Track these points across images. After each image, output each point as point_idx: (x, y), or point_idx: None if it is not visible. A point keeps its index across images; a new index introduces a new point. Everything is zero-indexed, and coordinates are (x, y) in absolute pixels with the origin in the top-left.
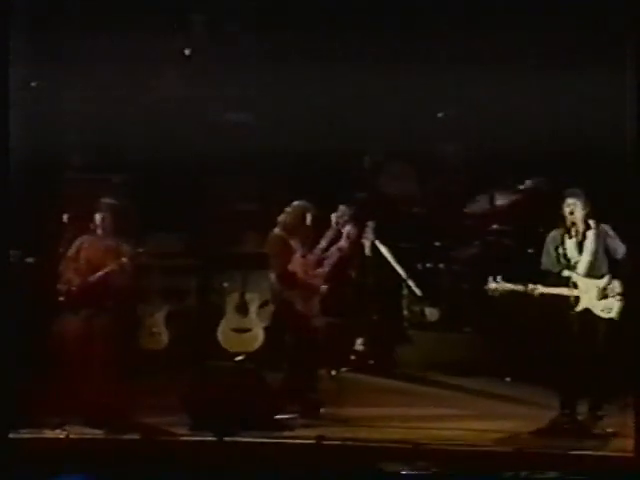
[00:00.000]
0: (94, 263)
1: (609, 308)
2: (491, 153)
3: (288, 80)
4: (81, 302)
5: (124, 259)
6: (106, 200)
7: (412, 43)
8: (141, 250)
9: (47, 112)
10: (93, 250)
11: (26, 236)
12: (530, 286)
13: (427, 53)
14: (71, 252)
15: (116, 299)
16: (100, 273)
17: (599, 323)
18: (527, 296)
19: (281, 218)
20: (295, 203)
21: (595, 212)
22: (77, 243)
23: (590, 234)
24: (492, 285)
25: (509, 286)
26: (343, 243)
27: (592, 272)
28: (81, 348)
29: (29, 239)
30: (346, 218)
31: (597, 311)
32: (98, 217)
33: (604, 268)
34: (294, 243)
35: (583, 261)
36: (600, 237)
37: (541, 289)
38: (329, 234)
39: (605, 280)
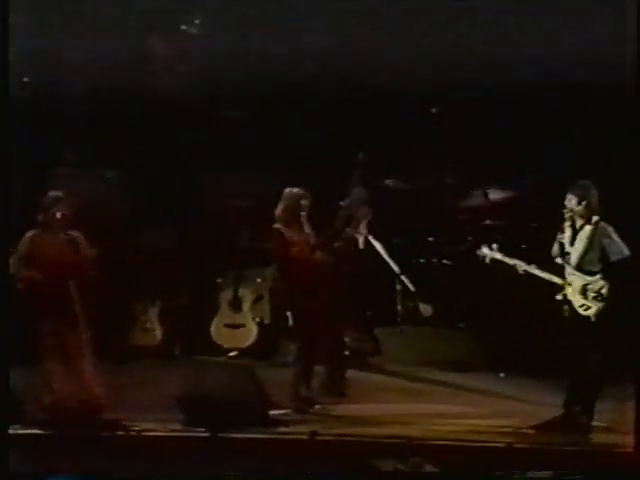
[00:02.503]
0: (51, 258)
1: (588, 306)
2: (485, 148)
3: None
4: (52, 299)
5: (91, 252)
6: (53, 193)
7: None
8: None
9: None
10: (46, 245)
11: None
12: (517, 262)
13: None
14: (22, 248)
15: (94, 293)
16: (65, 268)
17: (578, 318)
18: (518, 285)
19: (277, 210)
20: (287, 190)
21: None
22: (26, 239)
23: (587, 228)
24: (484, 250)
25: (498, 256)
26: (359, 230)
27: (582, 267)
28: (61, 345)
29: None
30: (361, 201)
31: (576, 306)
32: (47, 211)
33: (595, 266)
34: (292, 235)
35: (574, 253)
36: (597, 234)
37: (526, 267)
38: (339, 223)
39: (592, 278)
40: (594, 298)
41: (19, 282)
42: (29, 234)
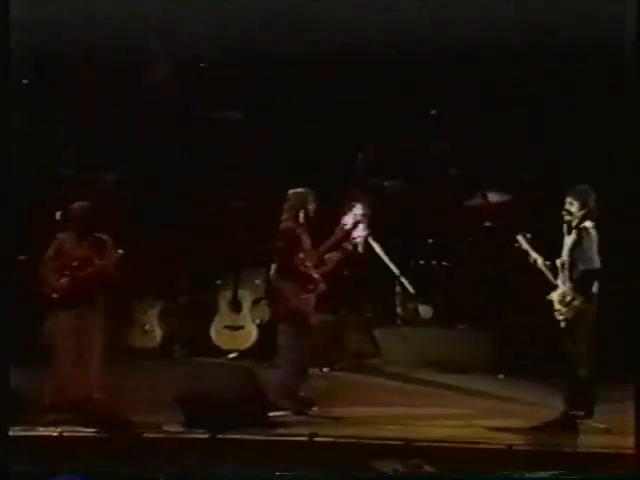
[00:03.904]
0: (78, 260)
1: (561, 311)
2: (486, 149)
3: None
4: (73, 300)
5: (114, 254)
6: (82, 203)
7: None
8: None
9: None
10: (74, 247)
11: (18, 234)
12: (534, 254)
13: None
14: (51, 251)
15: (109, 294)
16: (91, 269)
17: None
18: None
19: (285, 210)
20: (292, 191)
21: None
22: (56, 242)
23: (574, 233)
24: (520, 237)
25: (526, 246)
26: (349, 244)
27: (567, 271)
28: (74, 345)
29: (21, 237)
30: (359, 218)
31: (555, 307)
32: (75, 214)
33: (575, 273)
34: (303, 236)
35: (564, 256)
36: (579, 240)
37: (537, 260)
38: (337, 233)
39: (569, 285)
40: (566, 305)
41: (48, 282)
42: (59, 236)
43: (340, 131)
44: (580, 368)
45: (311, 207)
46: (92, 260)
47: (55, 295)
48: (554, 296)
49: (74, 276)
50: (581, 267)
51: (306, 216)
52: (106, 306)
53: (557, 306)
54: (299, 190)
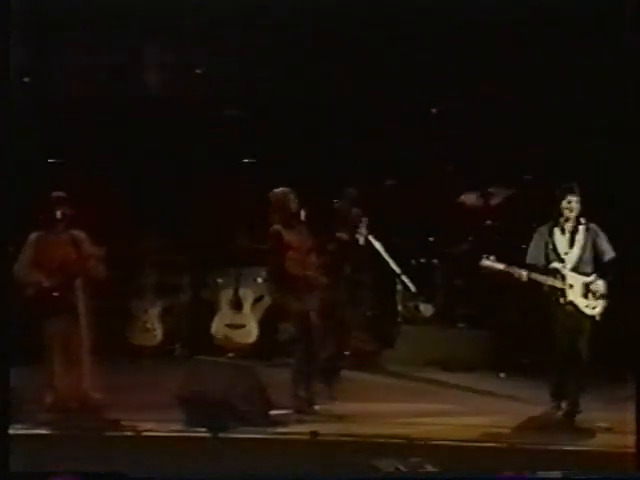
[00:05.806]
0: (55, 258)
1: (594, 306)
2: (485, 148)
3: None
4: (57, 300)
5: (96, 250)
6: (58, 194)
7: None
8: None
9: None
10: (50, 245)
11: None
12: (520, 270)
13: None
14: (28, 250)
15: (100, 292)
16: (72, 267)
17: (584, 318)
18: (518, 287)
19: (271, 212)
20: (272, 192)
21: (587, 210)
22: (31, 240)
23: (581, 229)
24: (485, 262)
25: (500, 266)
26: (359, 230)
27: (580, 268)
28: (62, 345)
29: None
30: (351, 202)
31: (582, 307)
32: (54, 211)
33: (590, 266)
34: (290, 236)
35: (573, 255)
36: (590, 234)
37: (530, 274)
38: (332, 222)
39: (592, 278)
40: (597, 296)
41: (26, 286)
42: (33, 235)
43: (339, 130)
44: (580, 365)
45: (293, 206)
46: (69, 259)
47: (38, 295)
48: (573, 292)
49: (52, 275)
50: (606, 258)
51: (290, 215)
52: (96, 303)
53: (585, 300)
54: (279, 190)
